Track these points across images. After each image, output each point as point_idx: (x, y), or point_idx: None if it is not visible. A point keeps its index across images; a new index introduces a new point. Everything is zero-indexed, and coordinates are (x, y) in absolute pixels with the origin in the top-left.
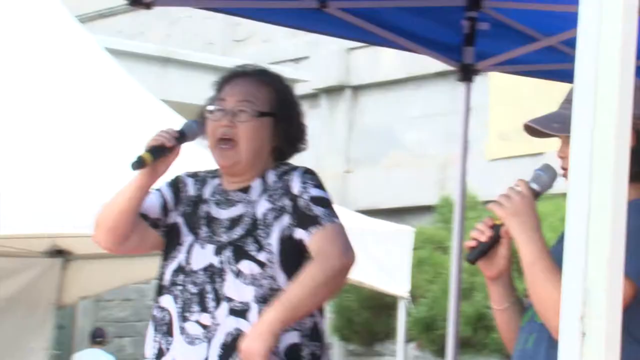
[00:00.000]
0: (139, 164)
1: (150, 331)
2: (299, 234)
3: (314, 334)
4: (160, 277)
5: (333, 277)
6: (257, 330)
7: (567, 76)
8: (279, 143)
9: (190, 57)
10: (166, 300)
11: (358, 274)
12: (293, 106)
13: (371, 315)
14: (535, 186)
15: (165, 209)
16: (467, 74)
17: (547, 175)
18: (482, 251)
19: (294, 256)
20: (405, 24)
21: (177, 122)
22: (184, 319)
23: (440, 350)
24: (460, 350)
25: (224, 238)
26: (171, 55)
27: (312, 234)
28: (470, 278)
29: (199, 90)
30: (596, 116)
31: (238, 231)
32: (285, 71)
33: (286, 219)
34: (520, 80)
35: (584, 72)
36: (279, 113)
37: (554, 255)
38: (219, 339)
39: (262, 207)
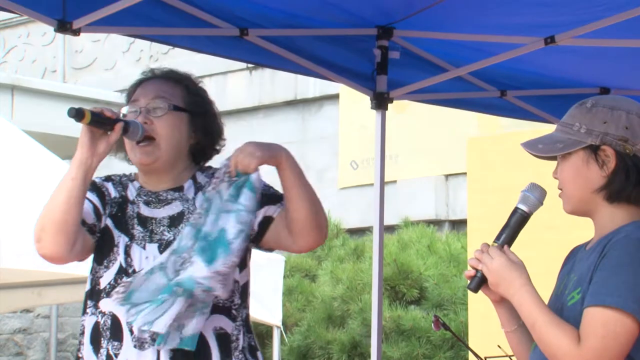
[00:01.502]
0: (78, 112)
1: (88, 339)
2: (270, 210)
3: (249, 325)
4: (96, 282)
5: (319, 209)
6: (266, 143)
7: (476, 105)
8: (197, 140)
9: (35, 85)
10: (105, 304)
11: None
12: (207, 103)
13: None
14: (524, 207)
15: (97, 214)
16: (380, 102)
17: (534, 195)
18: (482, 279)
19: (242, 248)
20: (321, 52)
21: (39, 152)
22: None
23: None
24: None
25: (168, 235)
26: (16, 82)
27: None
28: (345, 305)
29: (46, 117)
30: None
31: (183, 228)
32: None
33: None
34: (368, 109)
35: None
36: (193, 108)
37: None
38: (168, 340)
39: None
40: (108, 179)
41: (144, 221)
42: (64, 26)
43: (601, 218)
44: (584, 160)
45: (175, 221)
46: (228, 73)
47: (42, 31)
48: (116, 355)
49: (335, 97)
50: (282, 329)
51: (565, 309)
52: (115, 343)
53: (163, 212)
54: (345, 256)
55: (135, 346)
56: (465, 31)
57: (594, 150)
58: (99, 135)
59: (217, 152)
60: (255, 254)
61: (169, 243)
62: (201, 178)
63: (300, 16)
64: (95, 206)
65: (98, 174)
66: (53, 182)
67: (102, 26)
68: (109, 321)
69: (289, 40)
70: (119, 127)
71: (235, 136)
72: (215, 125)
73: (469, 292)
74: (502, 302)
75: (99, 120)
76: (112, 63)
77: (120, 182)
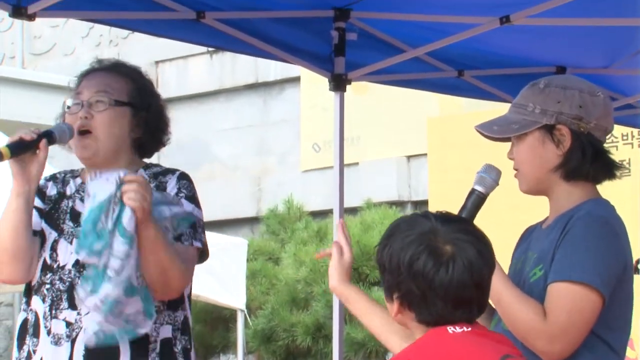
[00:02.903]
0: None
1: (16, 335)
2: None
3: (185, 328)
4: (29, 280)
5: (170, 278)
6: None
7: (434, 85)
8: (140, 135)
9: None
10: (34, 301)
11: (195, 288)
12: (152, 97)
13: (206, 329)
14: (480, 189)
15: (43, 217)
16: (338, 83)
17: (490, 176)
18: None
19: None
20: (278, 34)
21: None
22: (52, 317)
23: None
24: None
25: None
26: None
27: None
28: (308, 288)
29: (5, 104)
30: None
31: None
32: None
33: None
34: (325, 92)
35: None
36: (136, 103)
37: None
38: (81, 337)
39: None
40: (52, 177)
41: (75, 216)
42: (18, 11)
43: (558, 196)
44: (539, 140)
45: None
46: (189, 57)
47: None
48: (34, 351)
49: (296, 80)
50: (246, 312)
51: (527, 285)
52: (35, 339)
53: None
54: (308, 239)
55: (51, 342)
56: (422, 11)
57: (549, 129)
58: (27, 159)
59: (163, 146)
60: (219, 238)
61: None
62: (145, 176)
63: None
64: (39, 210)
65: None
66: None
67: (57, 11)
68: (32, 318)
69: (247, 23)
70: (42, 144)
71: (197, 120)
72: (159, 120)
73: None
74: None
75: (20, 149)
76: (72, 48)
77: (63, 179)
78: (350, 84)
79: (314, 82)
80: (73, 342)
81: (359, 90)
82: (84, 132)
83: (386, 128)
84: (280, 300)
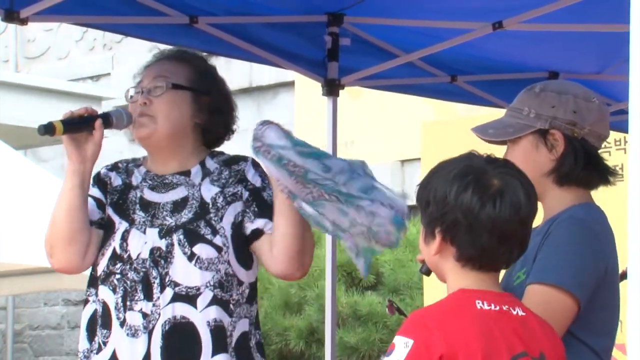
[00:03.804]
0: (47, 128)
1: (84, 326)
2: (259, 223)
3: (257, 322)
4: (94, 270)
5: (309, 247)
6: None
7: (427, 91)
8: (203, 119)
9: None
10: (102, 291)
11: None
12: (214, 81)
13: None
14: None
15: (102, 207)
16: (332, 88)
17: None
18: None
19: (242, 243)
20: (272, 39)
21: None
22: (125, 308)
23: None
24: None
25: (170, 221)
26: None
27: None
28: (302, 292)
29: None
30: None
31: (186, 214)
32: (86, 88)
33: (239, 206)
34: (320, 97)
35: None
36: (197, 87)
37: None
38: (159, 328)
39: (210, 190)
40: (114, 167)
41: (146, 206)
42: (11, 15)
43: (550, 201)
44: (533, 144)
45: (178, 207)
46: None
47: None
48: (105, 343)
49: (290, 85)
50: None
51: (511, 288)
52: (104, 331)
53: (167, 197)
54: None
55: (127, 334)
56: (415, 17)
57: (543, 134)
58: (83, 139)
59: (231, 132)
60: None
61: (170, 229)
62: (210, 164)
63: (251, 3)
64: (97, 200)
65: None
66: (5, 173)
67: (50, 15)
68: (101, 309)
69: (240, 28)
70: (98, 124)
71: None
72: (223, 104)
73: (425, 277)
74: None
75: (74, 126)
76: (66, 52)
77: (126, 169)
78: (343, 88)
79: (308, 87)
80: (150, 333)
81: (353, 95)
82: (143, 116)
83: (380, 132)
84: (273, 304)
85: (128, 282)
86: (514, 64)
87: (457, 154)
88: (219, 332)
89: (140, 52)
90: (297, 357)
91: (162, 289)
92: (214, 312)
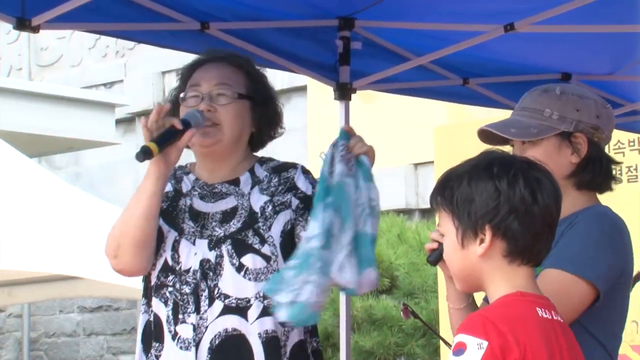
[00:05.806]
0: (145, 154)
1: (139, 338)
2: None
3: (314, 329)
4: (148, 280)
5: None
6: None
7: (439, 94)
8: (257, 128)
9: (1, 83)
10: (155, 303)
11: None
12: (267, 90)
13: None
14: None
15: (160, 214)
16: (343, 92)
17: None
18: (442, 252)
19: (291, 251)
20: (283, 44)
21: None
22: (178, 321)
23: None
24: None
25: (219, 232)
26: None
27: None
28: None
29: (13, 116)
30: None
31: (235, 224)
32: (99, 95)
33: (289, 214)
34: (332, 101)
35: None
36: (255, 96)
37: None
38: (206, 342)
39: (258, 199)
40: None
41: (195, 216)
42: (22, 23)
43: (564, 202)
44: (555, 146)
45: (227, 217)
46: None
47: (6, 29)
48: (157, 357)
49: (303, 89)
50: None
51: None
52: (157, 344)
53: (216, 207)
54: None
55: (180, 347)
56: (426, 20)
57: (566, 137)
58: (169, 146)
59: (272, 139)
60: None
61: (219, 240)
62: (259, 172)
63: (262, 8)
64: None
65: None
66: (19, 181)
67: (61, 23)
68: (154, 321)
69: (251, 33)
70: (190, 134)
71: None
72: (275, 113)
73: (440, 280)
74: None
75: (165, 142)
76: (79, 59)
77: (175, 175)
78: (355, 92)
79: (321, 91)
80: (197, 346)
81: (366, 99)
82: (210, 124)
83: (394, 136)
84: None
85: (179, 295)
86: (526, 65)
87: (469, 157)
88: (271, 343)
89: (152, 58)
90: None
91: (211, 301)
92: (267, 323)
